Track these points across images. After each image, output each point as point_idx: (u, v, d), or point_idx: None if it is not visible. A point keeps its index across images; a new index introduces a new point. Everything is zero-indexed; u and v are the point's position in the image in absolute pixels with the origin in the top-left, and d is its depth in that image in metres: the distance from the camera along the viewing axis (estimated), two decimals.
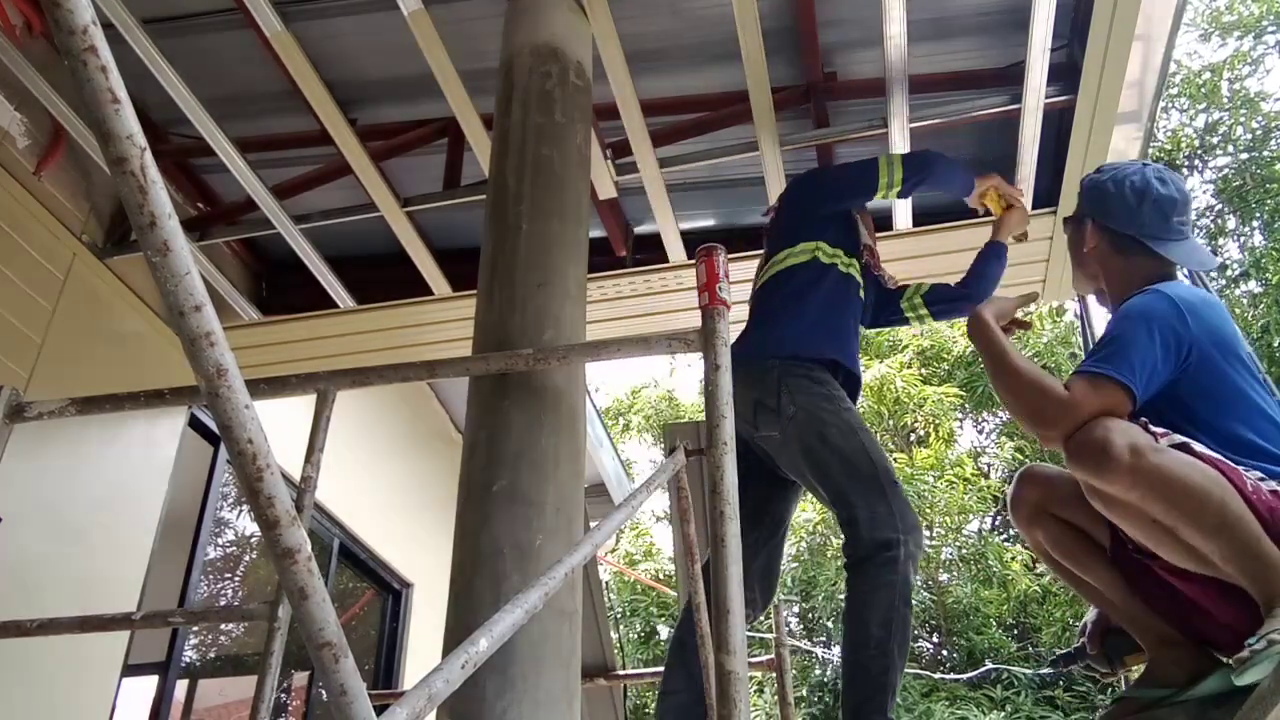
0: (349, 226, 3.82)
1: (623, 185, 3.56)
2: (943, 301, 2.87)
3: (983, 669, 10.33)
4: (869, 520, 2.17)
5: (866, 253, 2.83)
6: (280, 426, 3.09)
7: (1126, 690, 1.90)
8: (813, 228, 2.69)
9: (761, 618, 2.68)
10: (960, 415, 12.60)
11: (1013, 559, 10.74)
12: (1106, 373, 1.72)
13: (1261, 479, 1.66)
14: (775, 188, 3.45)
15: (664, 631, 12.43)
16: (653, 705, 12.34)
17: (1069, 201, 3.52)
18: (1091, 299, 2.31)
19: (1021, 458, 11.42)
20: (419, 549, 5.47)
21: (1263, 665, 1.44)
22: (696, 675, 2.07)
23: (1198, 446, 1.67)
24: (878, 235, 3.62)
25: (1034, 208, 3.57)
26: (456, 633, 1.82)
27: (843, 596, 11.64)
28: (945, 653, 11.45)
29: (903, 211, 3.58)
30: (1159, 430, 1.69)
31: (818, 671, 11.27)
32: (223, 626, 6.08)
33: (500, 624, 1.02)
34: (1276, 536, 1.59)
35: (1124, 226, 2.00)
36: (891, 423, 11.82)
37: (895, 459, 11.37)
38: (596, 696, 3.29)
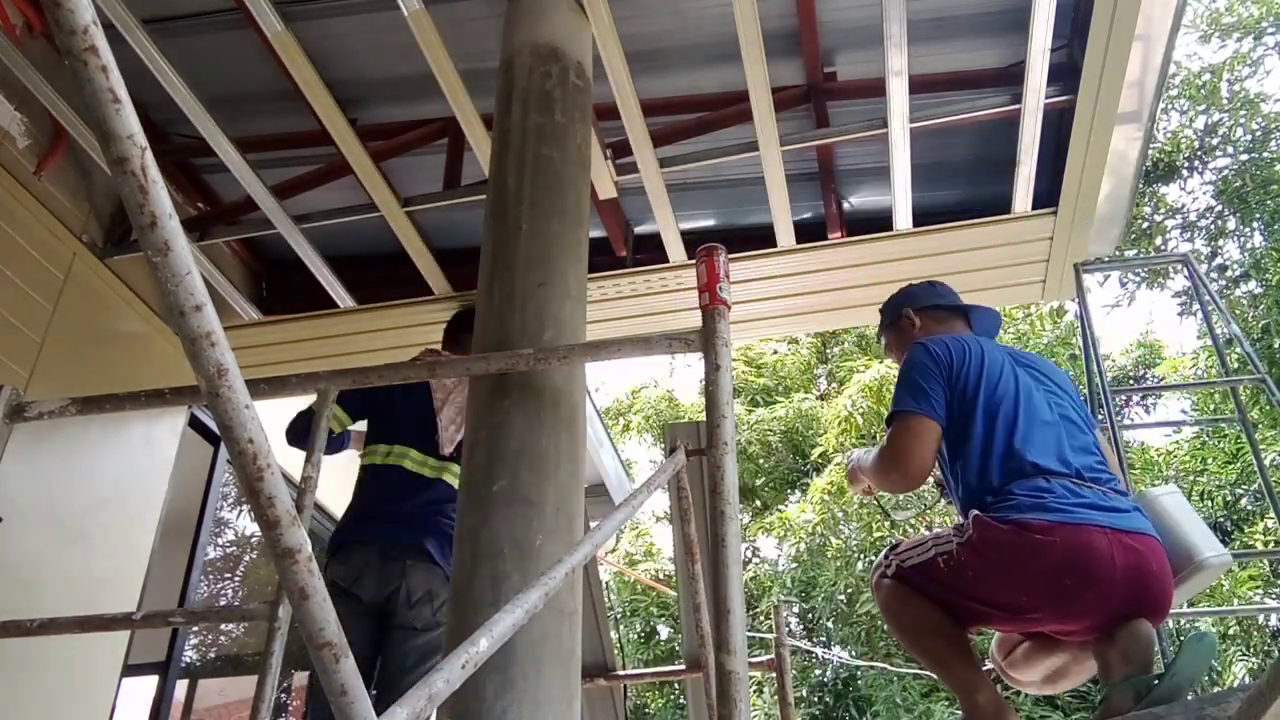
0: (349, 226, 3.82)
1: (623, 185, 3.56)
2: None
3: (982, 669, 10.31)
4: None
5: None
6: (281, 426, 3.09)
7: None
8: None
9: (762, 618, 2.77)
10: None
11: None
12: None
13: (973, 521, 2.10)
14: (775, 188, 3.46)
15: (664, 631, 12.42)
16: (653, 705, 12.35)
17: (1069, 201, 3.53)
18: (1092, 299, 2.67)
19: None
20: None
21: None
22: None
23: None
24: (878, 235, 3.65)
25: (1034, 208, 3.58)
26: (456, 633, 1.82)
27: (842, 597, 11.64)
28: None
29: (903, 212, 3.58)
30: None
31: (818, 672, 11.27)
32: (223, 626, 6.08)
33: (500, 624, 1.02)
34: (976, 571, 2.05)
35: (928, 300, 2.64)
36: None
37: None
38: (596, 696, 3.29)
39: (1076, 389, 2.44)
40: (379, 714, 0.77)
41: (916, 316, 2.60)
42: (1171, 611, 2.20)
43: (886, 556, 2.26)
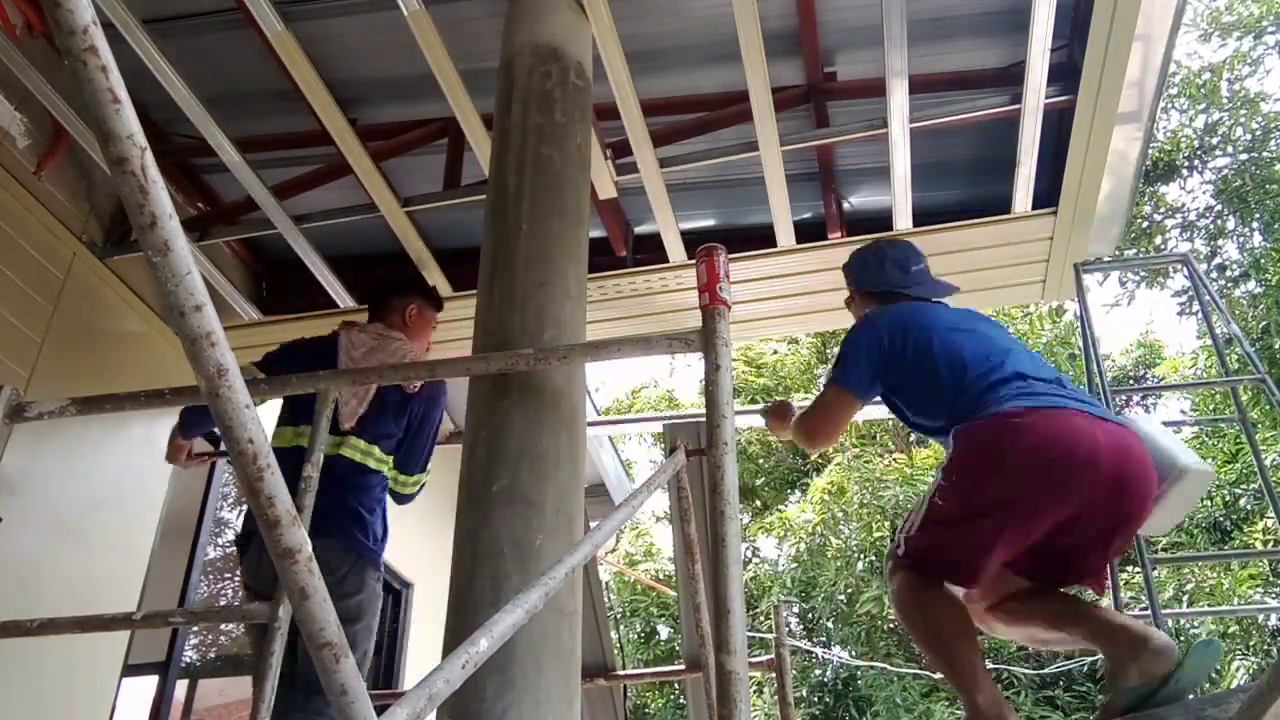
0: (349, 226, 3.82)
1: (623, 185, 3.56)
2: None
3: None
4: None
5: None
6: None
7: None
8: None
9: (762, 618, 2.76)
10: None
11: None
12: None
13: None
14: (775, 188, 3.46)
15: (664, 631, 12.42)
16: (653, 705, 12.35)
17: (1069, 201, 3.53)
18: (1091, 299, 2.72)
19: None
20: (419, 549, 5.46)
21: None
22: None
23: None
24: (878, 235, 3.64)
25: (1034, 208, 3.58)
26: (456, 633, 1.82)
27: (842, 597, 11.64)
28: None
29: (903, 211, 3.58)
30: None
31: (818, 672, 11.27)
32: (223, 626, 6.07)
33: (500, 624, 1.02)
34: (970, 480, 2.10)
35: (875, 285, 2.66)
36: (892, 423, 11.82)
37: (895, 459, 11.37)
38: (596, 696, 3.29)
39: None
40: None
41: (861, 302, 2.68)
42: (1172, 611, 2.23)
43: (895, 538, 2.26)
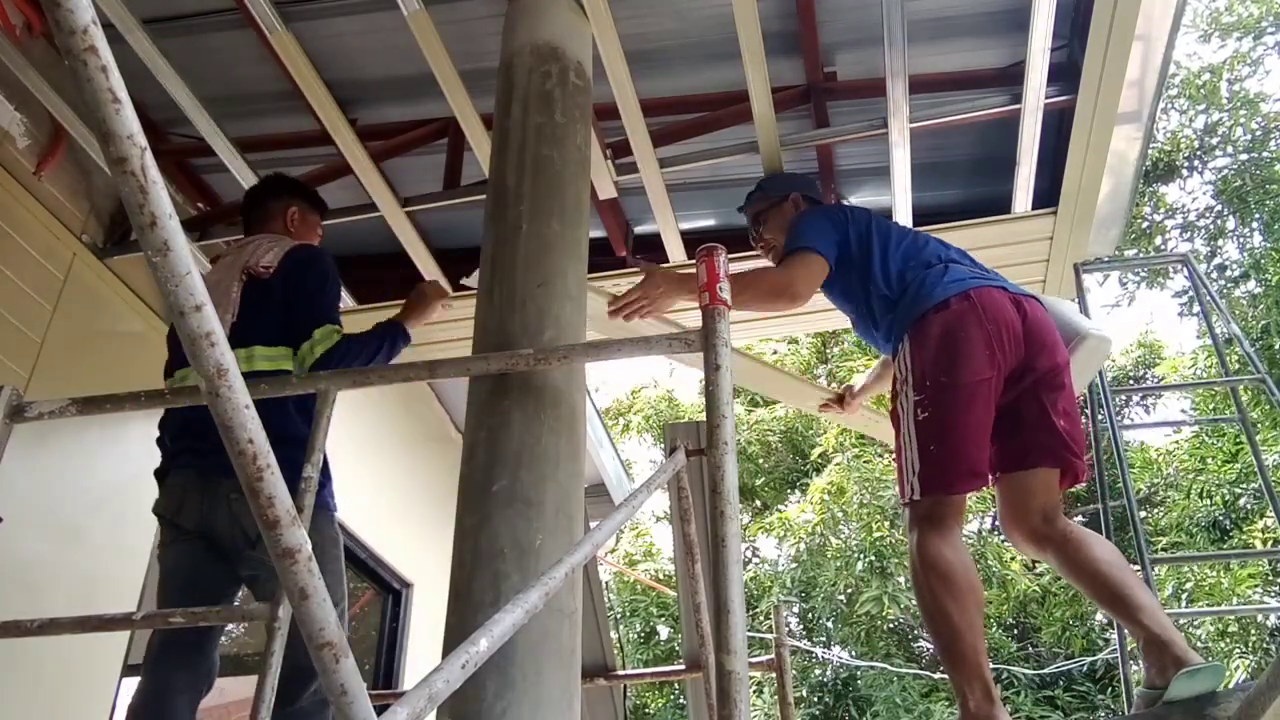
0: (349, 226, 3.82)
1: (623, 185, 3.56)
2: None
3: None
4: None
5: None
6: None
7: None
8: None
9: (762, 618, 2.72)
10: None
11: (1012, 559, 10.73)
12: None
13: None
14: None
15: (664, 631, 12.42)
16: (653, 705, 12.34)
17: (1069, 201, 3.53)
18: (1092, 299, 2.90)
19: None
20: (419, 549, 5.46)
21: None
22: None
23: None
24: None
25: (1034, 208, 3.58)
26: (456, 633, 1.82)
27: (842, 597, 11.63)
28: None
29: (903, 211, 3.58)
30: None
31: (818, 672, 11.27)
32: (222, 626, 6.07)
33: (500, 624, 1.02)
34: (938, 368, 2.27)
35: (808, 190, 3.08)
36: None
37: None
38: (596, 696, 3.29)
39: None
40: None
41: (804, 203, 2.97)
42: (1172, 611, 2.26)
43: (902, 489, 2.29)
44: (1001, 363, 2.28)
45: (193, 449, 2.46)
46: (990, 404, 2.27)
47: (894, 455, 2.38)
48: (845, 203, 2.81)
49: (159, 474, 2.56)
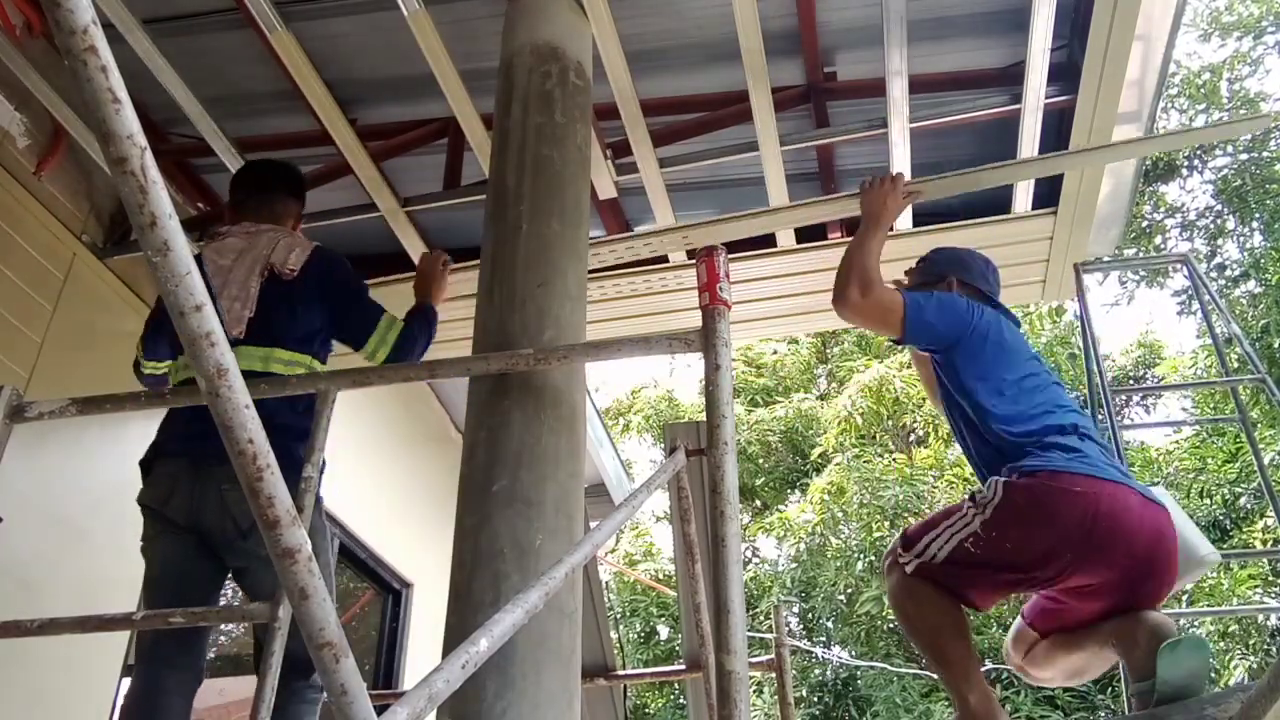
0: (349, 226, 3.82)
1: (623, 185, 3.56)
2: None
3: (982, 669, 10.32)
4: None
5: None
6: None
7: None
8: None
9: (762, 618, 2.72)
10: None
11: None
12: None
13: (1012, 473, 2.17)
14: (775, 188, 3.45)
15: (664, 631, 12.42)
16: (653, 705, 12.35)
17: (1069, 201, 3.52)
18: (1091, 299, 2.85)
19: None
20: (419, 549, 5.46)
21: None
22: None
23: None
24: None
25: (1034, 208, 3.58)
26: (456, 633, 1.82)
27: (842, 597, 11.61)
28: None
29: (904, 212, 3.58)
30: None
31: (818, 672, 11.28)
32: (223, 626, 6.07)
33: (500, 624, 1.02)
34: (1011, 535, 2.11)
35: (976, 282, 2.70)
36: (891, 423, 11.82)
37: (895, 459, 11.37)
38: (596, 696, 3.29)
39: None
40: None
41: (959, 289, 2.64)
42: (1172, 611, 2.27)
43: (903, 550, 2.27)
44: (1088, 560, 2.09)
45: (184, 435, 2.44)
46: (1046, 585, 2.21)
47: (926, 518, 2.34)
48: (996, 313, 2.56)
49: (144, 464, 2.51)
